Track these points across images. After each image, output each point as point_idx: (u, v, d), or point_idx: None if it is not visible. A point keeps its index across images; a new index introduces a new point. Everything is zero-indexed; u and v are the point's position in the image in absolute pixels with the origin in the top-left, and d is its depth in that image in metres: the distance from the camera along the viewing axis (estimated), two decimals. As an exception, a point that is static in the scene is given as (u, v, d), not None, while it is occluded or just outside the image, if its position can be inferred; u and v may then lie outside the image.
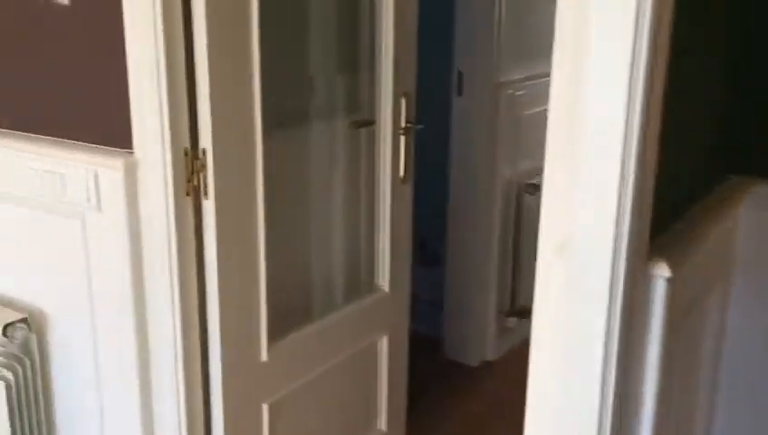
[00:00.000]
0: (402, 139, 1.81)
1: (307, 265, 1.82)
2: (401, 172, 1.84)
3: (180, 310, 1.43)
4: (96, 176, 1.39)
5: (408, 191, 1.90)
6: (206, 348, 1.49)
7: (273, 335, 1.59)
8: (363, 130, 1.85)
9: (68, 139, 1.46)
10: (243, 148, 1.44)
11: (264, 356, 1.58)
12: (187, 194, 1.40)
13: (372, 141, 1.83)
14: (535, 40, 2.61)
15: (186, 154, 1.38)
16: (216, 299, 1.45)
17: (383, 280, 1.90)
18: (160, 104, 1.32)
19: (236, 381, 1.53)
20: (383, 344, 1.95)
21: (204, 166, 1.39)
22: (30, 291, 1.59)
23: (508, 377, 2.65)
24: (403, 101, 1.79)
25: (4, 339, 1.52)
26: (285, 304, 1.67)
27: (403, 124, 1.81)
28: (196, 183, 1.40)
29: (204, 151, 1.38)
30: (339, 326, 1.80)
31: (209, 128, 1.36)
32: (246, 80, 1.42)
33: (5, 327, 1.52)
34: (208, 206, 1.41)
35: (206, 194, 1.40)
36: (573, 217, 0.94)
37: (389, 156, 1.82)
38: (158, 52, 1.30)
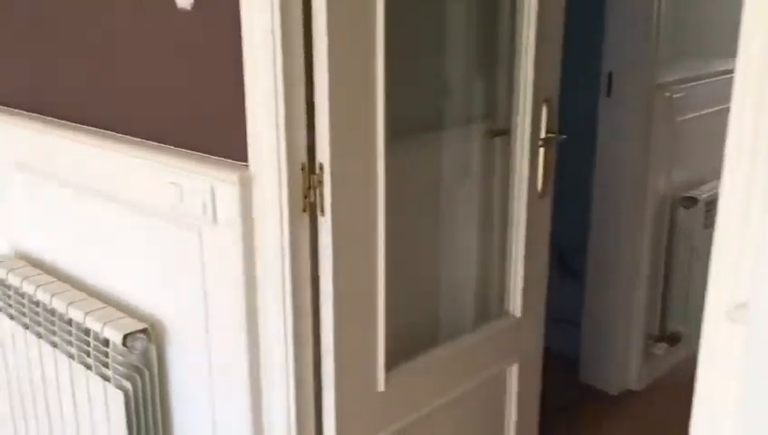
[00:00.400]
0: (541, 151, 1.63)
1: (430, 288, 1.69)
2: (539, 186, 1.66)
3: (293, 332, 1.34)
4: (212, 188, 1.33)
5: (545, 207, 1.72)
6: (319, 373, 1.40)
7: (392, 363, 1.47)
8: (498, 140, 1.69)
9: (187, 149, 1.41)
10: (363, 161, 1.33)
11: (381, 385, 1.47)
12: (304, 210, 1.31)
13: (508, 152, 1.66)
14: (699, 36, 2.33)
15: (302, 169, 1.28)
16: (331, 322, 1.36)
17: (514, 304, 1.73)
18: (276, 116, 1.24)
19: (351, 410, 1.42)
20: (512, 373, 1.78)
21: (321, 181, 1.29)
22: (150, 300, 1.57)
23: (654, 410, 2.39)
24: (544, 109, 1.61)
25: (124, 349, 1.51)
26: (405, 330, 1.55)
27: (543, 134, 1.63)
28: (312, 199, 1.30)
29: (321, 166, 1.28)
30: (464, 354, 1.66)
31: (327, 142, 1.26)
32: (369, 88, 1.31)
33: (126, 337, 1.50)
34: (325, 223, 1.31)
35: (322, 211, 1.31)
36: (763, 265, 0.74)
37: (526, 168, 1.64)
38: (276, 61, 1.21)
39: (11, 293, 1.80)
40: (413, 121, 1.57)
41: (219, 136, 1.35)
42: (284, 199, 1.28)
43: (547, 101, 1.62)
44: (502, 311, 1.75)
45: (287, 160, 1.26)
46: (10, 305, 1.82)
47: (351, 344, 1.40)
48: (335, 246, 1.32)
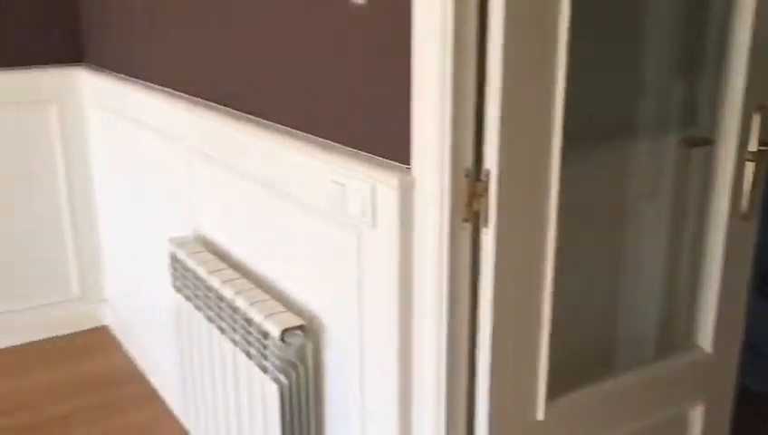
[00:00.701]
0: (749, 165, 1.41)
1: (604, 312, 1.53)
2: (743, 207, 1.44)
3: (447, 348, 1.26)
4: (373, 190, 1.28)
5: (750, 231, 1.49)
6: (472, 394, 1.31)
7: (554, 391, 1.34)
8: (695, 151, 1.48)
9: (350, 147, 1.37)
10: (534, 170, 1.21)
11: (540, 414, 1.34)
12: (466, 220, 1.21)
13: (707, 165, 1.46)
14: None
15: (467, 175, 1.19)
16: (489, 341, 1.26)
17: (705, 337, 1.52)
18: (442, 118, 1.15)
19: (504, 437, 1.32)
20: (697, 415, 1.58)
21: (486, 190, 1.19)
22: (309, 297, 1.56)
23: None
24: (756, 118, 1.39)
25: (282, 344, 1.51)
26: (571, 355, 1.41)
27: (753, 147, 1.40)
28: (476, 208, 1.21)
29: (487, 173, 1.18)
30: (640, 388, 1.48)
31: (496, 148, 1.16)
32: (547, 89, 1.18)
33: (284, 332, 1.50)
34: (488, 235, 1.21)
35: (486, 222, 1.21)
36: None
37: (729, 184, 1.43)
38: (446, 60, 1.13)
39: (189, 275, 1.88)
40: (595, 127, 1.42)
41: (383, 135, 1.30)
42: (446, 207, 1.19)
43: (761, 108, 1.39)
44: (689, 343, 1.54)
45: (451, 165, 1.17)
46: (187, 287, 1.91)
47: (510, 367, 1.29)
48: (497, 261, 1.21)
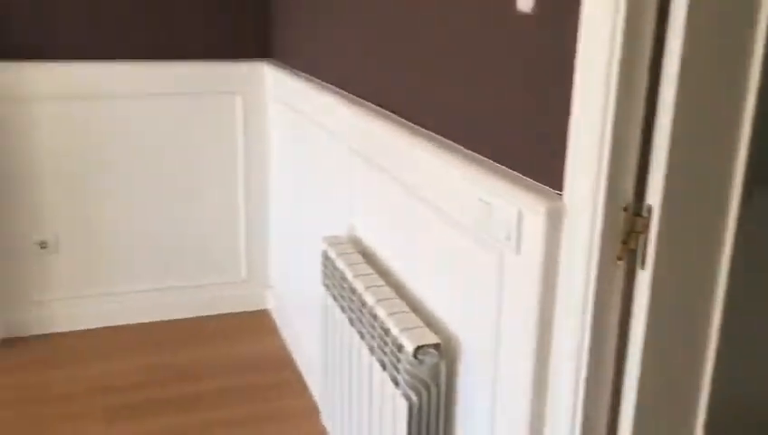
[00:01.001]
0: None
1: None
2: None
3: (584, 394, 1.15)
4: (520, 214, 1.19)
5: None
6: (610, 449, 1.18)
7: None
8: None
9: (500, 163, 1.29)
10: (707, 211, 1.06)
11: (688, 483, 1.19)
12: (620, 259, 1.09)
13: None
14: None
15: (625, 209, 1.07)
16: (634, 396, 1.12)
17: None
18: (601, 144, 1.04)
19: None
20: None
21: (646, 227, 1.06)
22: (448, 315, 1.50)
23: None
24: None
25: (415, 360, 1.46)
26: (737, 418, 1.23)
27: None
28: (632, 246, 1.08)
29: (649, 209, 1.05)
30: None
31: (662, 181, 1.02)
32: (731, 118, 1.03)
33: (417, 348, 1.45)
34: (643, 278, 1.08)
35: (642, 262, 1.07)
36: None
37: None
38: (610, 82, 1.01)
39: (336, 275, 1.89)
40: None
41: (536, 155, 1.20)
42: (597, 242, 1.08)
43: None
44: None
45: (607, 196, 1.05)
46: (335, 286, 1.92)
47: (656, 423, 1.14)
48: (652, 308, 1.08)
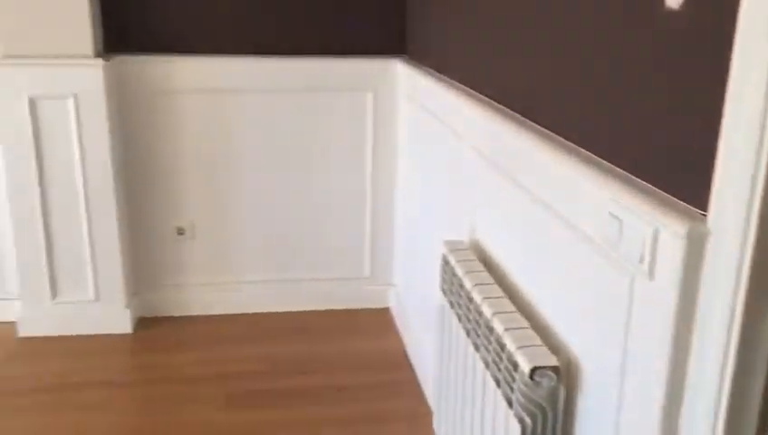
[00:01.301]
0: None
1: None
2: None
3: (722, 445, 1.01)
4: (655, 235, 1.06)
5: None
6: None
7: None
8: None
9: (633, 174, 1.17)
10: None
11: None
12: (772, 293, 0.94)
13: None
14: None
15: (782, 237, 0.92)
16: (782, 451, 0.97)
17: None
18: (757, 160, 0.90)
19: None
20: None
21: (807, 260, 0.91)
22: (569, 335, 1.39)
23: None
24: None
25: (530, 382, 1.36)
26: None
27: None
28: (789, 281, 0.93)
29: (812, 239, 0.90)
30: None
31: (829, 207, 0.87)
32: None
33: (534, 370, 1.36)
34: (801, 318, 0.93)
35: (801, 301, 0.92)
36: None
37: None
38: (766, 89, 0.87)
39: (455, 282, 1.82)
40: None
41: (676, 169, 1.07)
42: (746, 275, 0.94)
43: None
44: None
45: (760, 222, 0.91)
46: (452, 293, 1.84)
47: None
48: (810, 354, 0.93)
